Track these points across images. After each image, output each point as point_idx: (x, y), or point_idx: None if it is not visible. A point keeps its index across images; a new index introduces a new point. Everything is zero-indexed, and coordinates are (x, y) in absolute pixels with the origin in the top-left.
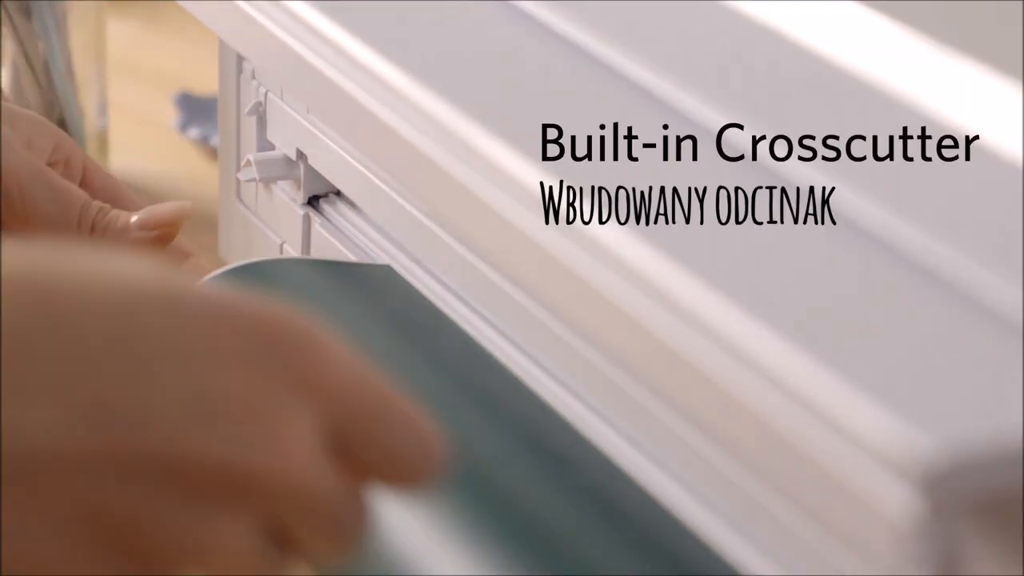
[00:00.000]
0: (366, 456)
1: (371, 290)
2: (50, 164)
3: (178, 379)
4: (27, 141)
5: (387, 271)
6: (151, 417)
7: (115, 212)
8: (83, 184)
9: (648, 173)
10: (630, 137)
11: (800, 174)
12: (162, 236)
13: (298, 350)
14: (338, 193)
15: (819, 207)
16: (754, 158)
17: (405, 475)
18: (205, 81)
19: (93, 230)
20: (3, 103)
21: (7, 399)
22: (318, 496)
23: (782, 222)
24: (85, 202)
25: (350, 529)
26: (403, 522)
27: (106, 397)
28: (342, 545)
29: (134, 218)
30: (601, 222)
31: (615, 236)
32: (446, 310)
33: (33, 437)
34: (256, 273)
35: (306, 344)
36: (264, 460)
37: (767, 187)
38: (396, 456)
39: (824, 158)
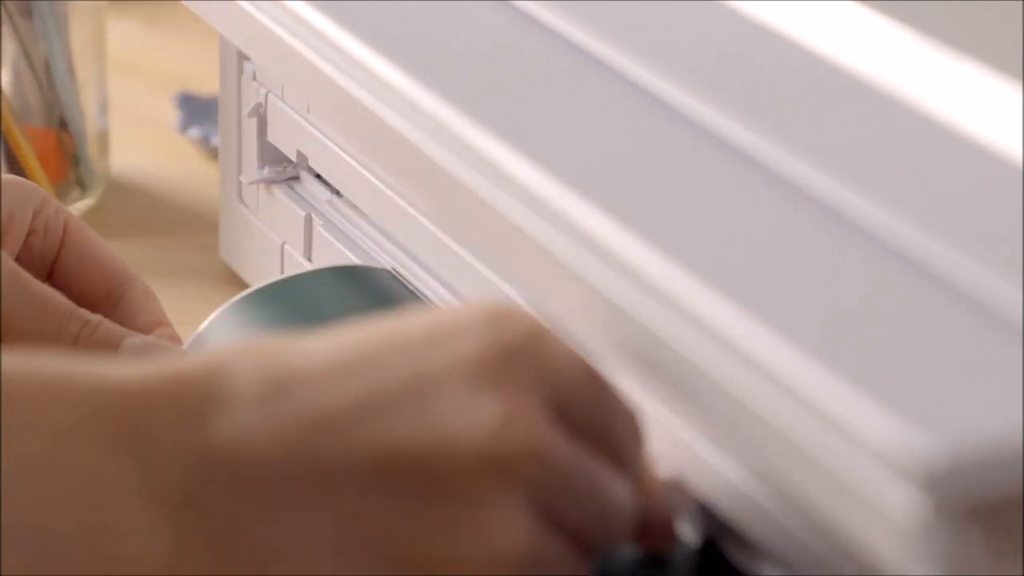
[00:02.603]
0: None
1: (378, 293)
2: (28, 233)
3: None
4: (8, 214)
5: (388, 274)
6: (367, 419)
7: (104, 332)
8: (61, 249)
9: (649, 173)
10: (630, 137)
11: (800, 174)
12: None
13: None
14: (340, 195)
15: (819, 207)
16: (754, 158)
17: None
18: (205, 81)
19: (76, 346)
20: None
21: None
22: (567, 464)
23: (782, 222)
24: (63, 314)
25: (616, 502)
26: None
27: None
28: (613, 522)
29: (124, 348)
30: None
31: (616, 236)
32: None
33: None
34: (282, 291)
35: (528, 330)
36: (508, 439)
37: (767, 187)
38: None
39: (825, 158)
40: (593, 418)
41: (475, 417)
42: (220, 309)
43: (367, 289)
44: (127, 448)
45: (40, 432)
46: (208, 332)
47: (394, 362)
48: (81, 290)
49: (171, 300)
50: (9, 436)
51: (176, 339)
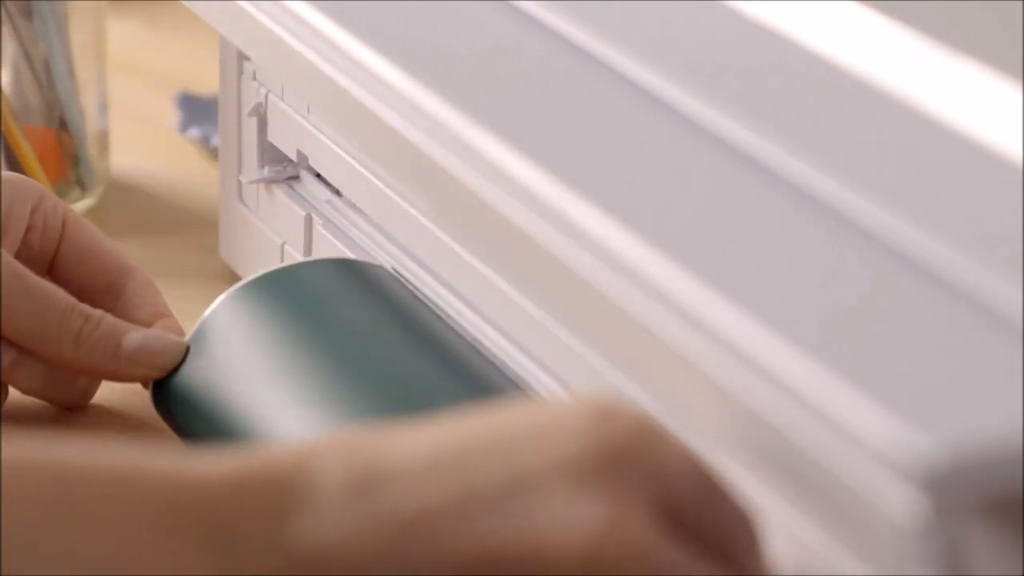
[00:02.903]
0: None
1: (376, 286)
2: (26, 229)
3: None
4: (7, 210)
5: (385, 271)
6: (460, 519)
7: (106, 327)
8: (60, 244)
9: (649, 173)
10: (630, 137)
11: (800, 174)
12: (149, 374)
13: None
14: (340, 195)
15: (819, 207)
16: (754, 158)
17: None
18: (205, 81)
19: (78, 342)
20: None
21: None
22: (676, 570)
23: (782, 222)
24: (65, 311)
25: None
26: None
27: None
28: None
29: (126, 343)
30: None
31: (616, 236)
32: (448, 310)
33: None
34: (282, 280)
35: (635, 429)
36: (612, 544)
37: (767, 187)
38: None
39: (825, 158)
40: (705, 521)
41: (577, 520)
42: (220, 298)
43: (365, 281)
44: (205, 548)
45: (112, 531)
46: (210, 320)
47: (490, 460)
48: (82, 284)
49: (171, 300)
50: (78, 534)
51: (179, 330)
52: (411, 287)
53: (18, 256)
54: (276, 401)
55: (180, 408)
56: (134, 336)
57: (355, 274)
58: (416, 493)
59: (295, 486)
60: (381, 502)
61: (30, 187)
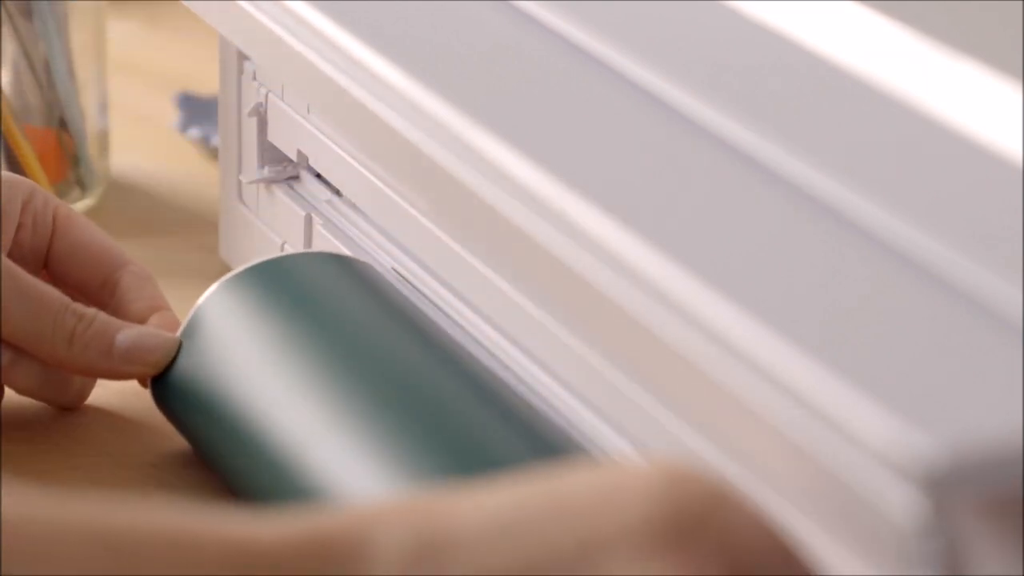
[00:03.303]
0: None
1: (366, 280)
2: (17, 227)
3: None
4: None
5: (373, 269)
6: None
7: (99, 325)
8: (53, 240)
9: (649, 173)
10: (630, 137)
11: (800, 174)
12: (143, 372)
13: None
14: (340, 195)
15: (819, 207)
16: (754, 158)
17: None
18: (205, 81)
19: (72, 342)
20: None
21: None
22: None
23: (782, 222)
24: (58, 310)
25: None
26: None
27: None
28: None
29: (119, 341)
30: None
31: (616, 236)
32: (447, 309)
33: None
34: (272, 270)
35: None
36: None
37: (767, 187)
38: None
39: (825, 158)
40: None
41: None
42: (211, 289)
43: (352, 272)
44: None
45: None
46: (202, 312)
47: (558, 526)
48: (78, 280)
49: (171, 300)
50: None
51: (174, 324)
52: (401, 283)
53: (10, 255)
54: (273, 391)
55: (179, 403)
56: (127, 334)
57: (342, 266)
58: (481, 561)
59: (355, 550)
60: (445, 570)
61: (19, 184)
